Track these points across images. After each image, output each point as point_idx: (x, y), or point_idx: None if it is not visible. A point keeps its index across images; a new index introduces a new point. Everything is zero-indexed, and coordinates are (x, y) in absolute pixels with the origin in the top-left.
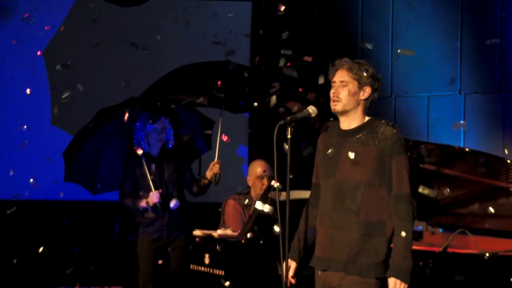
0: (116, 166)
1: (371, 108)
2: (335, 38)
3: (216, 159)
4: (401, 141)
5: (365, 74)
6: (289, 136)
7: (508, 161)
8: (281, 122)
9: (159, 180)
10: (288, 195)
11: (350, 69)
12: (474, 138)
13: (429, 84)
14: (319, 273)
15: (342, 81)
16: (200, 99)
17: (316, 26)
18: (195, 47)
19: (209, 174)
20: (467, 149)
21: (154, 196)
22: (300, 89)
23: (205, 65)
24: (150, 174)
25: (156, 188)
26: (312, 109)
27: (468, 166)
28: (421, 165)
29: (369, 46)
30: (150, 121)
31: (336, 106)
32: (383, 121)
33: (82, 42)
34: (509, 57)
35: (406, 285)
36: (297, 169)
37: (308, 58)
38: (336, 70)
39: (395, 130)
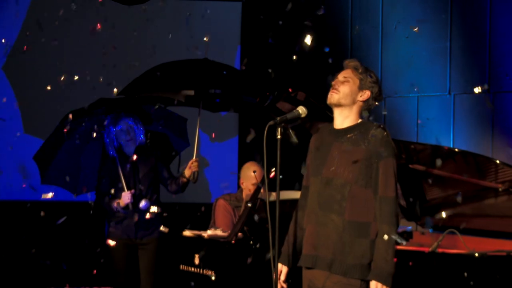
0: (95, 166)
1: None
2: (325, 38)
3: (194, 157)
4: (390, 144)
5: (368, 78)
6: (278, 137)
7: (497, 161)
8: (271, 122)
9: (132, 180)
10: (278, 195)
11: (355, 68)
12: (463, 139)
13: (418, 85)
14: (306, 272)
15: (345, 77)
16: (177, 97)
17: (306, 25)
18: (184, 48)
19: (187, 172)
20: (456, 150)
21: (126, 197)
22: (290, 89)
23: (182, 63)
24: (124, 174)
25: (129, 189)
26: (302, 110)
27: (458, 167)
28: (410, 166)
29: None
30: (113, 124)
31: (332, 97)
32: (375, 124)
33: (49, 43)
34: (498, 57)
35: None
36: (287, 169)
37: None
38: (342, 70)
39: (385, 133)
